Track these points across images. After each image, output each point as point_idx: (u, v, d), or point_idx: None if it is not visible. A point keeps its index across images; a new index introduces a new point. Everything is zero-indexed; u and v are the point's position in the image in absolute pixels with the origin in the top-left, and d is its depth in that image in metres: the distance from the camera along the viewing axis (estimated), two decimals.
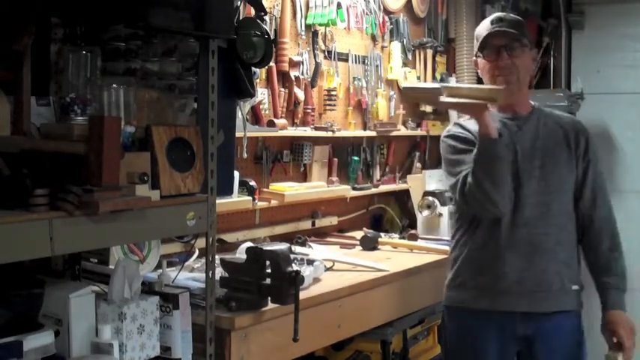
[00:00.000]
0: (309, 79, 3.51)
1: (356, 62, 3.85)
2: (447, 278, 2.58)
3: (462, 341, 2.54)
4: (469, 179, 2.32)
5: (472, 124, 2.50)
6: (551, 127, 2.50)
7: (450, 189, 2.48)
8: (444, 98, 2.32)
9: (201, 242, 2.33)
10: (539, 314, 2.43)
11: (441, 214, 3.77)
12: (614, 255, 2.52)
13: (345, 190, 3.72)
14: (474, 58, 2.52)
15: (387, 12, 4.04)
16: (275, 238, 3.26)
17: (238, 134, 2.68)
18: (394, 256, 3.28)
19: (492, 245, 2.43)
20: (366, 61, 3.92)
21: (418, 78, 4.24)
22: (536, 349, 2.44)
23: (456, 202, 2.52)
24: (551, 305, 2.43)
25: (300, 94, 3.44)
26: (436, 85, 2.36)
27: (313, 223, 3.61)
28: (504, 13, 2.56)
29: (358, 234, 3.62)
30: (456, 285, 2.52)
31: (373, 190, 3.97)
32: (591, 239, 2.51)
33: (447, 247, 3.20)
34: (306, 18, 3.48)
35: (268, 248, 2.33)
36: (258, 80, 3.08)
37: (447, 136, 2.50)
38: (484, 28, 2.47)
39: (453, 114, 4.33)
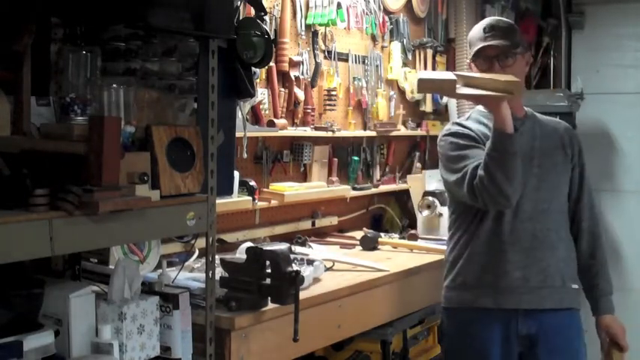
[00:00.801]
0: (309, 79, 3.51)
1: (356, 62, 3.85)
2: (445, 279, 2.57)
3: (463, 343, 2.53)
4: (480, 172, 2.31)
5: (472, 123, 2.50)
6: (546, 130, 2.53)
7: (452, 185, 2.46)
8: (460, 89, 2.28)
9: (201, 242, 2.33)
10: (543, 311, 2.43)
11: (441, 214, 3.77)
12: (606, 260, 2.56)
13: (345, 190, 3.72)
14: (468, 61, 2.53)
15: (387, 12, 4.04)
16: (275, 238, 3.26)
17: (238, 134, 2.68)
18: (394, 256, 3.28)
19: (495, 242, 2.43)
20: (366, 61, 3.92)
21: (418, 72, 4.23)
22: (539, 350, 2.44)
23: (454, 200, 2.52)
24: (554, 302, 2.44)
25: (300, 94, 3.44)
26: (451, 75, 2.33)
27: (313, 223, 3.61)
28: (497, 19, 2.55)
29: (358, 234, 3.62)
30: (456, 285, 2.52)
31: (373, 190, 3.97)
32: (585, 243, 2.53)
33: (446, 247, 3.22)
34: (306, 18, 3.48)
35: (268, 248, 2.33)
36: (258, 80, 3.08)
37: (448, 134, 2.50)
38: (476, 37, 2.46)
39: (453, 114, 4.34)
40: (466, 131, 2.47)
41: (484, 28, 2.46)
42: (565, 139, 2.53)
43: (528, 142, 2.46)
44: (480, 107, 2.51)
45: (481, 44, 2.43)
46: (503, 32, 2.44)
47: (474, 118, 2.53)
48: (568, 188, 2.52)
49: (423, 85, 2.39)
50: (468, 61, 2.52)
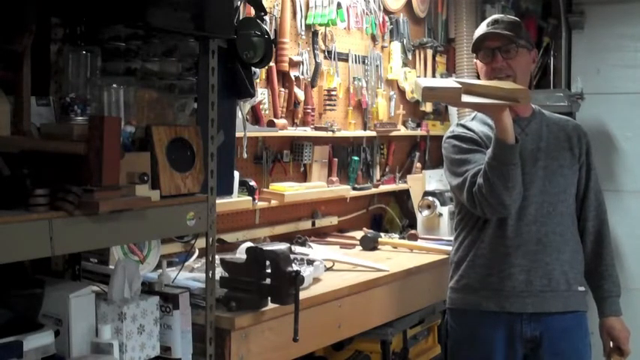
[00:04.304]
0: (309, 79, 3.51)
1: (356, 62, 3.85)
2: (450, 280, 2.56)
3: (467, 344, 2.52)
4: (479, 181, 2.30)
5: (475, 125, 2.49)
6: (553, 129, 2.50)
7: (454, 189, 2.46)
8: (464, 98, 2.25)
9: (201, 242, 2.33)
10: (548, 314, 2.42)
11: (441, 214, 3.77)
12: (614, 260, 2.54)
13: (345, 190, 3.72)
14: (474, 61, 2.52)
15: (387, 12, 4.04)
16: (275, 238, 3.26)
17: (238, 134, 2.68)
18: (394, 256, 3.28)
19: (499, 245, 2.42)
20: (366, 61, 3.92)
21: (418, 77, 4.23)
22: (543, 352, 2.42)
23: (459, 201, 2.51)
24: (559, 305, 2.42)
25: (300, 94, 3.44)
26: (455, 84, 2.30)
27: (313, 223, 3.61)
28: (501, 15, 2.54)
29: (358, 234, 3.62)
30: (461, 287, 2.51)
31: (373, 190, 3.97)
32: (590, 243, 2.51)
33: (446, 247, 3.22)
34: (306, 18, 3.48)
35: (268, 248, 2.33)
36: (258, 80, 3.08)
37: (451, 137, 2.49)
38: (480, 29, 2.47)
39: (453, 114, 4.34)
40: (469, 134, 2.45)
41: (488, 23, 2.46)
42: (573, 139, 2.49)
43: (534, 143, 2.44)
44: None
45: (483, 32, 2.43)
46: (506, 24, 2.43)
47: (479, 119, 2.52)
48: (575, 189, 2.49)
49: (428, 93, 2.32)
50: (474, 60, 2.51)
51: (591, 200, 2.51)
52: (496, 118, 2.27)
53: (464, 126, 2.50)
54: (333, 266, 2.91)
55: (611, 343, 2.51)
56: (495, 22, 2.44)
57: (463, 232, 2.52)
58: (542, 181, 2.42)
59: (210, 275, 2.16)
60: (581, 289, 2.47)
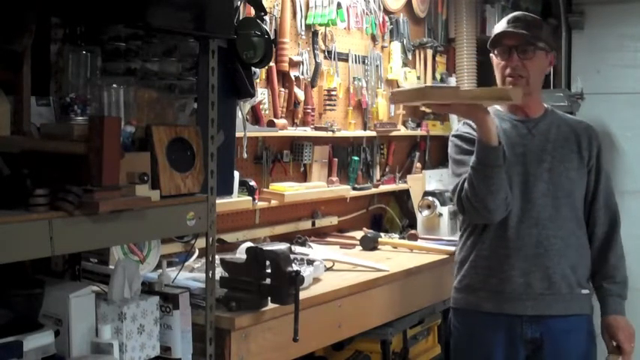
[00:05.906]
0: (309, 79, 3.51)
1: (356, 62, 3.85)
2: (454, 280, 2.56)
3: (468, 344, 2.52)
4: (465, 185, 2.30)
5: None
6: (563, 131, 2.47)
7: (451, 193, 2.46)
8: (429, 97, 2.25)
9: (201, 242, 2.33)
10: (548, 317, 2.40)
11: (441, 214, 3.77)
12: (620, 262, 2.51)
13: (345, 190, 3.72)
14: (491, 54, 2.48)
15: (387, 12, 4.04)
16: (275, 238, 3.26)
17: (238, 134, 2.68)
18: (394, 256, 3.28)
19: (501, 246, 2.40)
20: (366, 61, 3.92)
21: (418, 78, 4.23)
22: (545, 353, 2.41)
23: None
24: (561, 308, 2.41)
25: (300, 94, 3.44)
26: (421, 85, 2.31)
27: (313, 223, 3.61)
28: (523, 13, 2.49)
29: (358, 234, 3.62)
30: (463, 287, 2.51)
31: (373, 190, 3.97)
32: (600, 246, 2.49)
33: (446, 247, 3.22)
34: (306, 18, 3.48)
35: (268, 248, 2.33)
36: (258, 80, 3.08)
37: (455, 136, 2.48)
38: (499, 26, 2.44)
39: (453, 114, 4.33)
40: (472, 134, 2.43)
41: (508, 20, 2.43)
42: (583, 142, 2.46)
43: (540, 145, 2.42)
44: (495, 106, 2.47)
45: (502, 30, 2.40)
46: (526, 24, 2.40)
47: None
48: (583, 192, 2.46)
49: (397, 97, 2.33)
50: (491, 54, 2.48)
51: (600, 204, 2.48)
52: (477, 121, 2.26)
53: (469, 125, 2.47)
54: (333, 266, 2.91)
55: (614, 343, 2.49)
56: (516, 19, 2.41)
57: (466, 232, 2.51)
58: (547, 184, 2.40)
59: (210, 275, 2.16)
60: (585, 291, 2.46)
